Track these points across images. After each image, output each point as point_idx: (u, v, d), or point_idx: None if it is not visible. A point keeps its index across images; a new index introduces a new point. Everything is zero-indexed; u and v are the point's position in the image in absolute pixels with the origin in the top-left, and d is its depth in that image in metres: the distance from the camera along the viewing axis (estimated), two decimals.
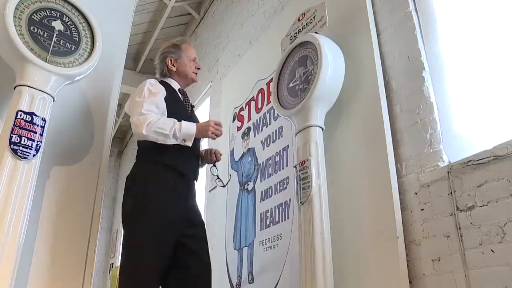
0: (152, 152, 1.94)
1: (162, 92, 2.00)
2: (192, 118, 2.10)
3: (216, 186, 3.23)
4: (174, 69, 2.14)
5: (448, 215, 1.66)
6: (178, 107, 2.06)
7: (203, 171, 2.71)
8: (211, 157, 2.14)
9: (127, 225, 1.91)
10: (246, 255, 2.82)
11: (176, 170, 1.94)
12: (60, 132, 2.13)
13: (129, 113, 1.99)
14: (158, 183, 1.89)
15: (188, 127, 1.90)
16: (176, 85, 2.14)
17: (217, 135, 1.98)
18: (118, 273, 1.84)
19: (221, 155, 2.21)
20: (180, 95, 2.13)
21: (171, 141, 1.87)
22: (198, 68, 2.21)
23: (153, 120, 1.85)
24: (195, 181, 2.08)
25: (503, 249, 1.45)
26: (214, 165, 2.18)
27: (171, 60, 2.13)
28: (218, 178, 2.21)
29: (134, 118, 1.89)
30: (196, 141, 2.02)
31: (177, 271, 1.88)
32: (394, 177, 1.88)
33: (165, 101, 1.99)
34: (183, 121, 1.90)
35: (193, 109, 2.21)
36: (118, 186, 9.17)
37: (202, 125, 1.96)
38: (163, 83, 2.10)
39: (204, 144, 2.90)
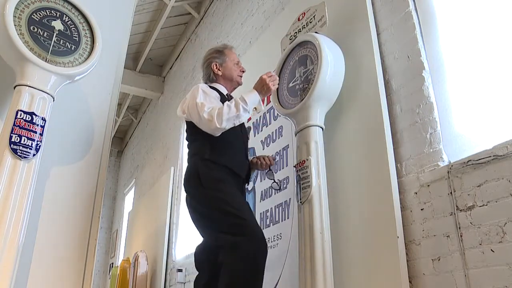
0: (207, 151, 1.96)
1: (215, 94, 2.05)
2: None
3: None
4: (220, 73, 2.16)
5: (448, 215, 1.66)
6: None
7: None
8: (266, 161, 2.17)
9: (209, 206, 1.90)
10: None
11: (232, 170, 1.98)
12: (60, 132, 2.13)
13: (187, 117, 2.01)
14: (219, 181, 1.91)
15: (251, 96, 1.95)
16: (223, 90, 2.16)
17: (276, 84, 2.03)
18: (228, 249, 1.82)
19: (274, 159, 2.24)
20: (227, 100, 2.13)
21: (246, 117, 1.94)
22: (243, 71, 2.23)
23: (221, 111, 1.87)
24: (246, 184, 2.14)
25: (503, 249, 1.45)
26: (270, 169, 2.21)
27: (216, 65, 2.16)
28: (275, 181, 2.25)
29: (203, 117, 1.89)
30: (246, 143, 2.17)
31: None
32: (394, 177, 1.88)
33: None
34: (242, 95, 1.95)
35: None
36: (118, 186, 9.18)
37: (259, 86, 1.99)
38: (211, 88, 2.12)
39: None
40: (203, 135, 1.94)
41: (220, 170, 1.94)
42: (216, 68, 2.16)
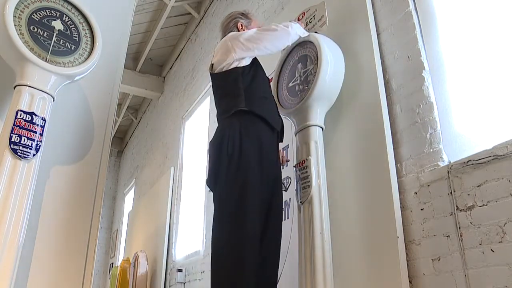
0: (242, 101, 1.91)
1: None
2: (267, 77, 2.15)
3: None
4: None
5: (448, 215, 1.66)
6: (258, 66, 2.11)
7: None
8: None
9: (225, 182, 1.83)
10: None
11: (268, 123, 1.94)
12: (60, 132, 2.13)
13: (228, 59, 1.97)
14: (252, 138, 1.86)
15: (299, 26, 2.14)
16: None
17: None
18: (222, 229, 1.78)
19: (287, 161, 2.21)
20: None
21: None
22: None
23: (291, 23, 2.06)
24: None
25: (503, 249, 1.45)
26: None
27: (242, 25, 2.17)
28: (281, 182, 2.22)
29: (278, 28, 2.01)
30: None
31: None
32: (394, 177, 1.89)
33: None
34: (288, 25, 2.09)
35: None
36: (118, 186, 9.18)
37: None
38: None
39: None
40: (237, 84, 1.92)
41: (255, 125, 1.88)
42: (242, 28, 2.15)
